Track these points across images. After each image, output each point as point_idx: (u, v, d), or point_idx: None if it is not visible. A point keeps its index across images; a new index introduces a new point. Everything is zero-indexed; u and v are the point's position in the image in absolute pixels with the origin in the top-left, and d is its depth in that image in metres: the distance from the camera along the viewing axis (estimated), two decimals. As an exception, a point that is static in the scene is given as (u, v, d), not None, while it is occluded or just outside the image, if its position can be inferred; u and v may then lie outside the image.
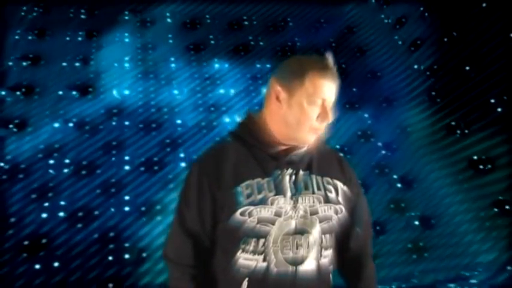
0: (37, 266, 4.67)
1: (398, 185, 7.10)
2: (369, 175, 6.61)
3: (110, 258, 5.04)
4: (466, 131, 7.18)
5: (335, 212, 0.89)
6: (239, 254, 0.83)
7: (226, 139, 0.92)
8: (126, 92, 5.93)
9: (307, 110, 0.84)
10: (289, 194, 0.85)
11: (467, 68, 7.34)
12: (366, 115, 7.82)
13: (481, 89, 6.89)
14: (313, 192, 0.88)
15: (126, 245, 5.16)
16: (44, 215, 4.95)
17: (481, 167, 6.90)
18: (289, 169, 0.88)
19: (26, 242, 4.74)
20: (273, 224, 0.83)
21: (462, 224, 6.66)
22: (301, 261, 0.83)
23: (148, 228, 5.38)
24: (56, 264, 4.77)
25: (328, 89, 0.85)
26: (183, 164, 5.98)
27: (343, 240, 0.97)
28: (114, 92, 5.87)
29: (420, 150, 7.52)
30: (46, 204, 4.97)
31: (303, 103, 0.84)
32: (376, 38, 7.86)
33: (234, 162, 0.87)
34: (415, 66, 8.03)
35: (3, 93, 5.18)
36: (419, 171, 7.24)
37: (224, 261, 0.85)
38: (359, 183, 0.99)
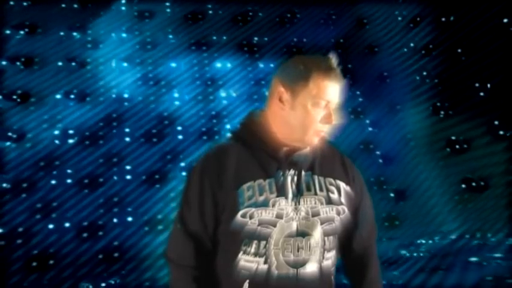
0: (50, 226, 5.24)
1: (380, 161, 7.68)
2: (354, 150, 7.07)
3: (115, 220, 5.64)
4: (450, 112, 7.60)
5: (337, 213, 0.86)
6: (240, 255, 0.81)
7: (228, 140, 0.90)
8: (124, 64, 6.03)
9: (311, 112, 0.82)
10: (290, 195, 0.83)
11: (459, 50, 7.50)
12: (358, 92, 8.08)
13: (468, 72, 7.15)
14: (315, 194, 0.86)
15: (129, 209, 5.73)
16: (53, 182, 5.41)
17: (457, 146, 7.46)
18: (291, 170, 0.85)
19: (38, 205, 5.24)
20: (274, 226, 0.81)
21: (433, 197, 7.40)
22: (302, 264, 0.81)
23: (148, 195, 5.92)
24: (67, 224, 5.35)
25: (332, 90, 0.83)
26: (180, 137, 6.34)
27: (346, 241, 0.95)
28: (113, 64, 5.96)
29: (405, 128, 7.98)
30: (54, 172, 5.40)
31: (306, 105, 0.82)
32: (376, 12, 7.81)
33: (235, 163, 0.85)
34: (412, 44, 8.12)
35: (3, 63, 5.26)
36: (401, 148, 7.77)
37: (226, 262, 0.84)
38: (363, 183, 0.97)
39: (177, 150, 6.27)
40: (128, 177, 5.88)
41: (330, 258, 0.86)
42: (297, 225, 0.81)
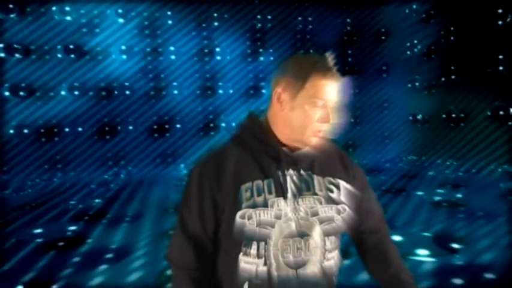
0: (66, 129, 6.36)
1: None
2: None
3: (119, 128, 6.78)
4: (425, 50, 8.29)
5: (337, 212, 0.82)
6: (241, 257, 0.78)
7: (227, 142, 0.87)
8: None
9: (309, 112, 0.79)
10: (289, 195, 0.80)
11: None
12: (349, 20, 8.45)
13: (452, 16, 7.52)
14: (315, 193, 0.81)
15: (130, 127, 6.84)
16: (63, 93, 6.25)
17: (417, 84, 8.49)
18: (290, 170, 0.82)
19: (51, 114, 6.22)
20: (273, 226, 0.77)
21: (388, 126, 8.86)
22: (302, 265, 0.77)
23: (146, 108, 6.94)
24: (80, 129, 6.48)
25: (329, 90, 0.79)
26: (173, 57, 6.97)
27: (357, 239, 0.92)
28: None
29: (383, 59, 8.79)
30: (63, 84, 6.18)
31: (304, 105, 0.79)
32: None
33: (234, 164, 0.82)
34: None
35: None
36: (375, 78, 8.77)
37: (226, 264, 0.81)
38: (365, 179, 0.92)
39: (169, 69, 7.01)
40: (127, 92, 6.76)
41: (332, 259, 0.83)
42: (296, 226, 0.79)
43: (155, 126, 7.01)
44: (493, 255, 2.34)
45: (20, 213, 3.85)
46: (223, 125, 7.18)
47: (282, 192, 0.80)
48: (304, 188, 0.82)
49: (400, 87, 8.76)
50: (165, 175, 6.35)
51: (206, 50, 7.07)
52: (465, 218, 3.17)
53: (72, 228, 3.22)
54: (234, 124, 7.27)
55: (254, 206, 0.78)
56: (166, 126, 7.00)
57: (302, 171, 0.83)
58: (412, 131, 8.44)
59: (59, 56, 6.16)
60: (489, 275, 2.06)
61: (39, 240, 2.88)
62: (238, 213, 0.78)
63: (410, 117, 8.47)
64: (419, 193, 4.43)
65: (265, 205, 0.78)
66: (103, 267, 2.30)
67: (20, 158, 6.00)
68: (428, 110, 8.02)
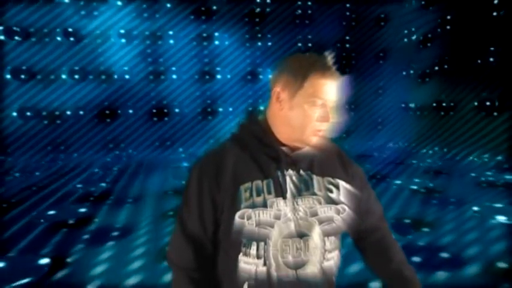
0: (68, 113, 6.55)
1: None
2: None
3: (119, 111, 6.96)
4: (421, 38, 8.39)
5: (336, 212, 0.81)
6: (240, 257, 0.77)
7: (227, 141, 0.85)
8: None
9: (308, 112, 0.77)
10: (288, 195, 0.79)
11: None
12: (348, 5, 8.46)
13: (450, 3, 7.58)
14: (314, 194, 0.80)
15: (130, 111, 7.01)
16: (64, 76, 6.39)
17: (411, 72, 8.64)
18: (290, 170, 0.81)
19: (53, 96, 6.39)
20: (272, 227, 0.77)
21: (381, 113, 9.09)
22: (301, 265, 0.77)
23: (146, 91, 7.11)
24: (81, 112, 6.67)
25: (328, 89, 0.77)
26: (171, 41, 7.06)
27: (357, 238, 0.91)
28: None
29: (380, 46, 8.89)
30: (64, 68, 6.29)
31: (303, 104, 0.77)
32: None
33: (233, 164, 0.81)
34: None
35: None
36: (370, 65, 8.90)
37: (226, 264, 0.80)
38: (364, 178, 0.90)
39: (168, 54, 7.12)
40: (127, 76, 6.90)
41: (332, 259, 0.81)
42: (295, 226, 0.78)
43: (154, 110, 7.20)
44: (452, 237, 2.65)
45: (28, 193, 4.11)
46: (220, 109, 7.38)
47: (281, 193, 0.80)
48: (304, 188, 0.81)
49: (395, 75, 8.91)
50: (164, 158, 6.57)
51: (205, 35, 7.11)
52: (437, 204, 3.47)
53: (80, 208, 3.48)
54: (231, 109, 7.51)
55: (253, 206, 0.78)
56: (165, 111, 7.16)
57: (301, 171, 0.83)
58: (403, 119, 8.68)
59: (59, 39, 6.26)
60: (444, 255, 2.38)
61: (50, 219, 3.13)
62: (238, 214, 0.77)
63: (403, 105, 8.70)
64: (403, 180, 4.67)
65: (264, 205, 0.78)
66: (110, 243, 2.58)
67: (24, 139, 6.23)
68: (420, 98, 8.23)
